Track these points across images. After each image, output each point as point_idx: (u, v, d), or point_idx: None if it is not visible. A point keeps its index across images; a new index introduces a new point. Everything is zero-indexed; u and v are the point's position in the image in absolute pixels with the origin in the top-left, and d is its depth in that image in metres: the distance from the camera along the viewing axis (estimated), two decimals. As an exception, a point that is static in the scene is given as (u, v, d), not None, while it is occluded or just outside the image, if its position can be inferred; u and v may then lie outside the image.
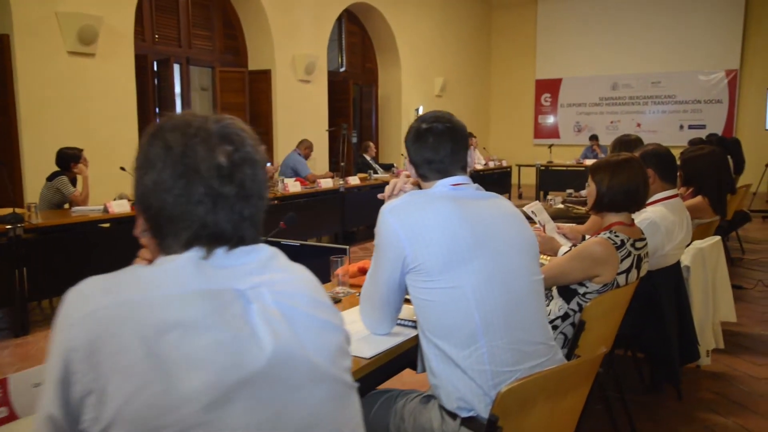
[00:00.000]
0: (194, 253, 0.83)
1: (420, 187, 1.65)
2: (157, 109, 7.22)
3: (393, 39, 10.92)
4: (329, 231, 6.93)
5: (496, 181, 10.17)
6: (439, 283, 1.41)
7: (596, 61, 13.49)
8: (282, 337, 0.81)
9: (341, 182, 6.80)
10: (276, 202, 6.08)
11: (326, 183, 6.53)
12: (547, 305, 2.20)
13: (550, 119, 14.33)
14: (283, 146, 8.43)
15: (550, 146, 11.62)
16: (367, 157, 8.55)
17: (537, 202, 2.91)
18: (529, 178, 11.46)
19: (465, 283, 1.39)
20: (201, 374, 0.74)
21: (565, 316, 2.12)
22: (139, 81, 6.65)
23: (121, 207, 4.44)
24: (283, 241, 3.99)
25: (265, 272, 0.86)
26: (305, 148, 7.46)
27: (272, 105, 8.52)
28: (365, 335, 1.67)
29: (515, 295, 1.44)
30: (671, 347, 2.51)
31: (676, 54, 12.69)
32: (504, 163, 10.93)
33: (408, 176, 1.72)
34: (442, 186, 1.52)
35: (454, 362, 1.41)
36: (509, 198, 5.09)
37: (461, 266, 1.39)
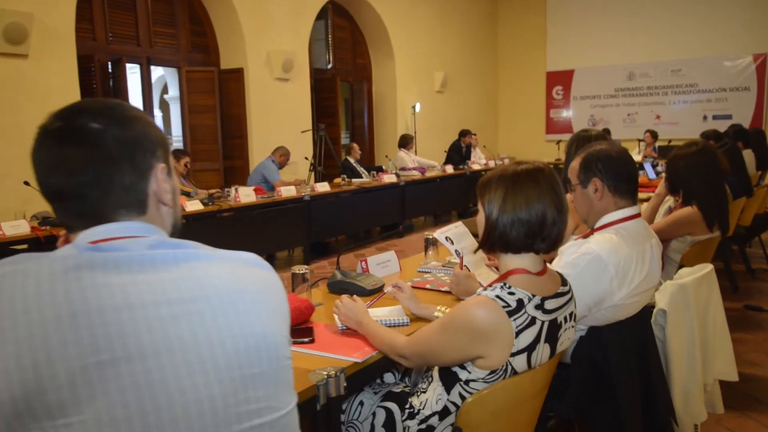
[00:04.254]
0: None
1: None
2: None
3: (385, 31, 10.18)
4: (294, 244, 6.24)
5: (496, 182, 9.36)
6: None
7: (611, 49, 12.53)
8: None
9: (308, 189, 6.11)
10: (227, 214, 5.43)
11: (288, 191, 5.83)
12: (424, 392, 1.47)
13: (563, 113, 13.42)
14: (259, 151, 7.76)
15: (558, 142, 10.77)
16: (351, 160, 7.84)
17: (460, 223, 2.16)
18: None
19: None
20: None
21: (444, 412, 1.38)
22: (84, 83, 6.07)
23: (16, 229, 3.81)
24: None
25: None
26: (281, 155, 6.79)
27: (246, 106, 7.87)
28: None
29: None
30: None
31: (697, 39, 11.66)
32: (506, 161, 10.10)
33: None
34: (72, 247, 0.79)
35: None
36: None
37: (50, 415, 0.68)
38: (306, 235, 6.02)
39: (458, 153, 9.34)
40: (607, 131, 10.17)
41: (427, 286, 2.16)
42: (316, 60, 9.60)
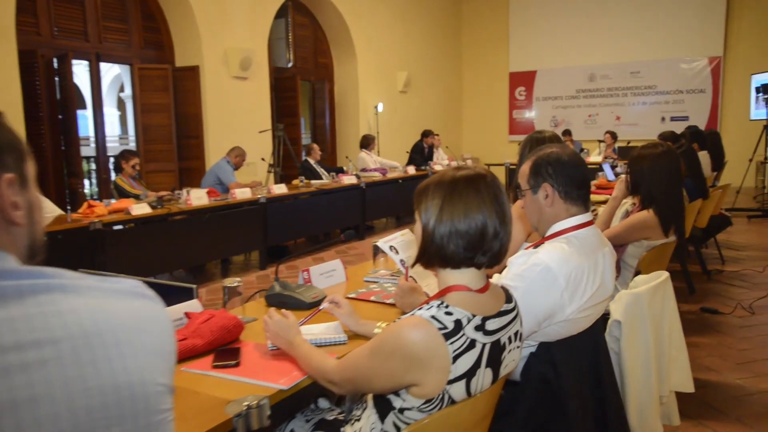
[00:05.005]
0: None
1: None
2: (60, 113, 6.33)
3: (347, 31, 10.03)
4: (251, 248, 6.05)
5: (459, 182, 9.30)
6: None
7: (572, 51, 12.64)
8: None
9: (264, 191, 5.93)
10: (179, 217, 5.22)
11: (242, 193, 5.64)
12: (358, 419, 1.34)
13: (526, 114, 13.49)
14: (216, 151, 7.52)
15: (520, 143, 10.74)
16: (311, 161, 7.67)
17: (407, 231, 2.04)
18: (500, 176, 10.58)
19: None
20: None
21: (378, 444, 1.25)
22: (26, 80, 5.77)
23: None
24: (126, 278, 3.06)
25: None
26: (236, 156, 6.56)
27: (201, 105, 7.63)
28: None
29: None
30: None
31: (655, 41, 11.85)
32: (469, 162, 10.06)
33: None
34: None
35: None
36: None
37: None
38: (262, 238, 5.83)
39: (420, 154, 9.25)
40: (568, 132, 10.27)
41: (372, 297, 2.03)
42: (277, 59, 9.39)
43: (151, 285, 2.85)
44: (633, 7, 11.89)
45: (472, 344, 1.16)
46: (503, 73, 13.44)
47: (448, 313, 1.16)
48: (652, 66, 12.03)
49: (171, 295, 2.28)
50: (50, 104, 6.28)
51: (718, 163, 6.21)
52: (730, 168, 7.48)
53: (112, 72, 14.34)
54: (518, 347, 1.29)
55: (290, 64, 9.54)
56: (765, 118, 7.96)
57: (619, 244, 2.68)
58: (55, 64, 6.33)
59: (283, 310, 1.61)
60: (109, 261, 4.50)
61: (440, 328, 1.13)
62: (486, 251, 1.20)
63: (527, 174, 1.68)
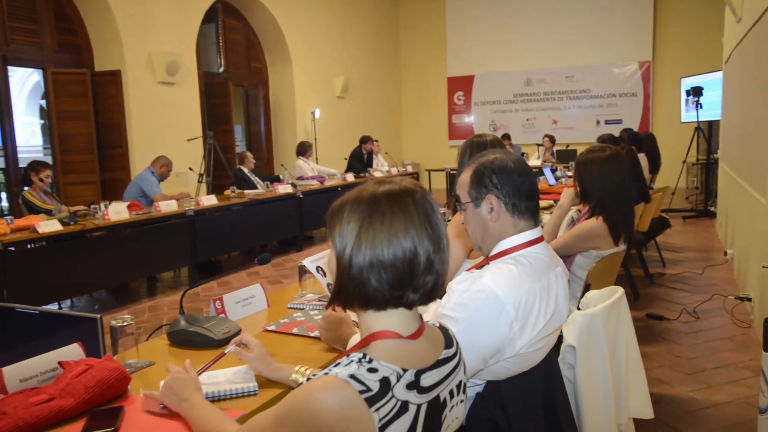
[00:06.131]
0: None
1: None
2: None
3: (281, 35, 9.70)
4: (178, 264, 5.65)
5: (400, 189, 9.10)
6: None
7: (509, 55, 12.72)
8: None
9: (192, 203, 5.54)
10: (97, 233, 4.78)
11: (168, 206, 5.24)
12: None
13: (465, 118, 13.48)
14: (142, 161, 7.03)
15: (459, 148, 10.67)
16: (245, 170, 7.30)
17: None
18: (441, 182, 10.49)
19: None
20: None
21: None
22: None
23: None
24: (18, 307, 2.73)
25: None
26: (161, 166, 6.12)
27: (125, 112, 7.14)
28: None
29: None
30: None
31: (589, 46, 12.06)
32: (410, 168, 9.91)
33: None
34: None
35: None
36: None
37: None
38: (191, 254, 5.44)
39: (359, 160, 9.01)
40: (507, 136, 10.26)
41: (295, 330, 1.75)
42: (208, 64, 8.96)
43: (49, 316, 2.44)
44: (567, 13, 12.06)
45: (404, 407, 0.91)
46: (441, 78, 13.39)
47: (372, 370, 0.90)
48: (586, 70, 12.24)
49: (71, 328, 1.94)
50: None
51: (655, 165, 6.25)
52: (663, 170, 7.59)
53: (33, 78, 13.46)
54: (462, 401, 1.05)
55: (222, 69, 9.13)
56: (696, 120, 8.13)
57: (567, 255, 2.50)
58: (-45, 69, 5.76)
59: (187, 362, 1.32)
60: (13, 285, 4.03)
61: (362, 391, 0.88)
62: (417, 287, 0.95)
63: (468, 184, 1.44)
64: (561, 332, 1.73)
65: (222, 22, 9.03)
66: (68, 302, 5.13)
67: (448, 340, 1.04)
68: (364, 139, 9.21)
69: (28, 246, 4.38)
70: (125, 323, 1.48)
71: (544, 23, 12.24)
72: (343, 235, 0.95)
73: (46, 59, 6.71)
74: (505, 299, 1.31)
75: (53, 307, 4.98)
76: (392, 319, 0.96)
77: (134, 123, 7.18)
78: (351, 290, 0.95)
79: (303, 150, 8.25)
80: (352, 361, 0.92)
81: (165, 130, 7.44)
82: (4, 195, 7.02)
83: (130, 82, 7.12)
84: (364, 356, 0.92)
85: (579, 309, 1.95)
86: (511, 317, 1.31)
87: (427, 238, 0.94)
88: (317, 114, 10.20)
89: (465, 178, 1.46)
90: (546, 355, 1.49)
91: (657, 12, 11.49)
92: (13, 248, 4.20)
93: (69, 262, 4.52)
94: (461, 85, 13.34)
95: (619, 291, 1.88)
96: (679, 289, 4.55)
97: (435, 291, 0.97)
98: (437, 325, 1.07)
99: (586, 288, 2.41)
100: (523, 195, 1.42)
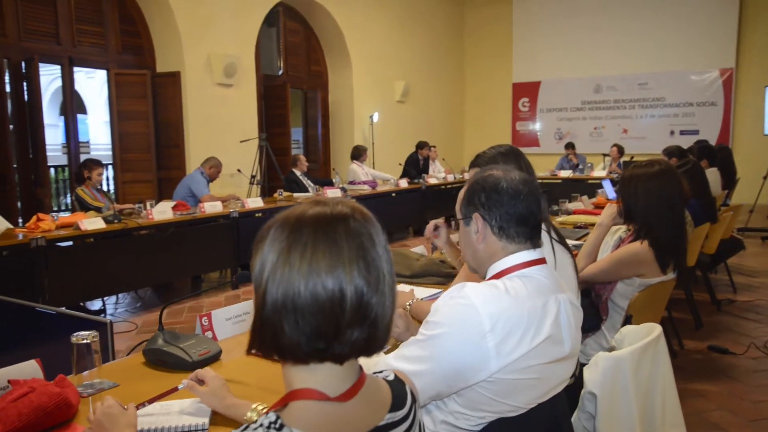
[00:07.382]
0: None
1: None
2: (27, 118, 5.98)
3: (342, 38, 9.66)
4: (221, 265, 5.64)
5: (455, 197, 8.85)
6: None
7: (578, 61, 12.20)
8: None
9: (237, 205, 5.52)
10: (144, 232, 4.82)
11: (213, 207, 5.23)
12: None
13: (530, 125, 13.05)
14: (197, 161, 7.11)
15: (521, 156, 10.30)
16: (297, 173, 7.27)
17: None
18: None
19: None
20: None
21: None
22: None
23: None
24: (38, 307, 2.78)
25: None
26: (210, 167, 6.16)
27: (183, 113, 7.25)
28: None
29: None
30: None
31: (664, 52, 11.38)
32: (467, 176, 9.61)
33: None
34: None
35: None
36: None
37: None
38: (234, 256, 5.41)
39: (415, 166, 8.83)
40: (571, 145, 9.81)
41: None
42: (267, 66, 9.02)
43: (60, 316, 2.37)
44: (641, 16, 11.44)
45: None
46: (506, 84, 13.02)
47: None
48: (660, 77, 11.56)
49: (84, 330, 1.87)
50: (18, 110, 5.94)
51: (729, 180, 5.75)
52: (742, 185, 7.01)
53: (98, 78, 14.10)
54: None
55: (281, 72, 9.17)
56: (780, 132, 7.47)
57: (607, 281, 2.23)
58: (23, 68, 5.98)
59: (132, 405, 1.18)
60: (54, 281, 4.08)
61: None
62: (345, 340, 0.75)
63: (461, 200, 1.26)
64: (582, 376, 1.50)
65: (283, 24, 9.07)
66: (113, 299, 5.20)
67: (398, 399, 0.84)
68: (421, 145, 9.02)
69: (70, 243, 4.43)
70: (85, 340, 1.36)
71: (616, 28, 11.67)
72: (263, 265, 0.77)
73: (109, 60, 6.91)
74: (481, 309, 1.12)
75: (97, 303, 5.06)
76: (316, 376, 0.77)
77: (191, 123, 7.28)
78: (266, 337, 0.77)
79: (357, 154, 8.15)
80: (261, 425, 0.73)
81: (221, 131, 7.52)
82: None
83: (189, 83, 7.23)
84: (276, 421, 0.74)
85: (613, 344, 1.70)
86: (486, 329, 1.11)
87: (359, 276, 0.75)
88: (376, 118, 10.09)
89: (461, 193, 1.27)
90: (547, 399, 1.25)
91: (743, 17, 10.72)
92: (61, 244, 4.28)
93: (111, 259, 4.56)
94: (527, 91, 12.92)
95: (657, 330, 1.62)
96: (750, 320, 4.10)
97: (372, 344, 0.78)
98: (389, 377, 0.88)
99: (627, 320, 2.14)
100: (512, 219, 1.22)
